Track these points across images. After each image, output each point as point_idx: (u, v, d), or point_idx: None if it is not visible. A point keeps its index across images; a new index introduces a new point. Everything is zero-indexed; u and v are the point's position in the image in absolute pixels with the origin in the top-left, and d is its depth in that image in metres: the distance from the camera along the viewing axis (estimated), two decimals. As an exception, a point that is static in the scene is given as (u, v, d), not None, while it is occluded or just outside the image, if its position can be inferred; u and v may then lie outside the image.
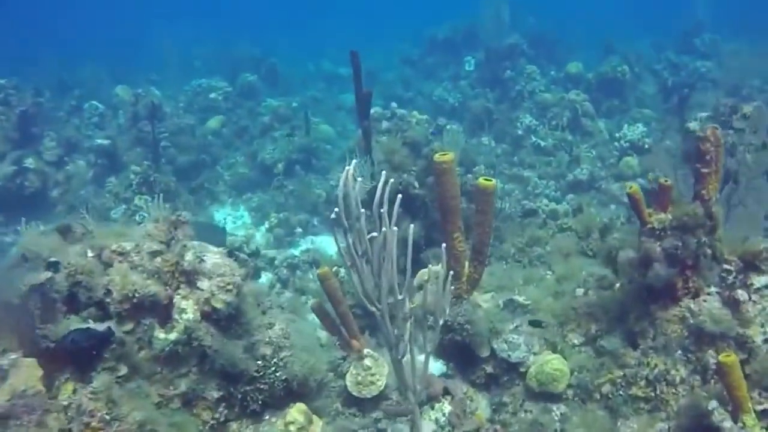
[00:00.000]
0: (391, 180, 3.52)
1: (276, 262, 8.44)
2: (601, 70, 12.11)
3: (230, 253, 4.48)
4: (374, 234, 3.52)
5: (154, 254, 3.67)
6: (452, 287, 4.09)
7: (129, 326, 3.41)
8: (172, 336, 3.50)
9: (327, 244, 9.97)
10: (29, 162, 10.53)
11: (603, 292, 5.00)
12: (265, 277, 8.42)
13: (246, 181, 11.55)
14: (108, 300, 3.35)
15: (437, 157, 4.33)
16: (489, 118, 11.07)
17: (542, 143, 10.08)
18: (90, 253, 3.61)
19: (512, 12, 13.99)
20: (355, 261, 3.58)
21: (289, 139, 11.34)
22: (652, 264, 4.38)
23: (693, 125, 7.82)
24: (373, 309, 3.65)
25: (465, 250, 4.68)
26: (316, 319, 4.81)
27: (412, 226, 3.55)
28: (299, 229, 9.99)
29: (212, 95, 13.34)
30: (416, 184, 6.81)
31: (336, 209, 3.49)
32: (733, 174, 5.86)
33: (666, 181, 4.44)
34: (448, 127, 9.44)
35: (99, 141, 11.02)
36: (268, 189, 10.99)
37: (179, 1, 27.80)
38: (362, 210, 3.52)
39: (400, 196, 3.59)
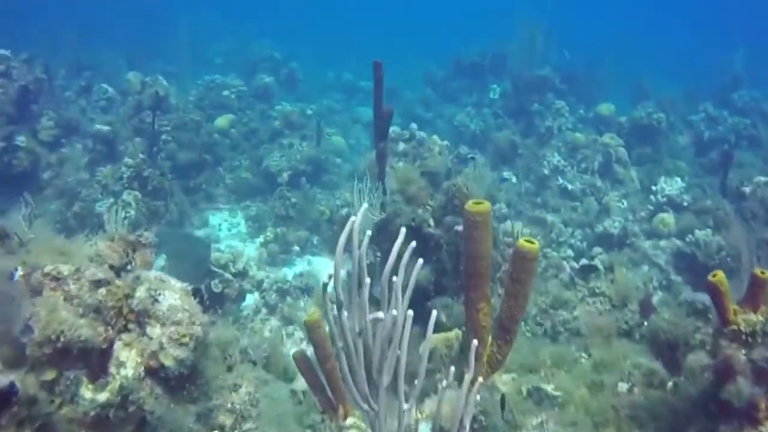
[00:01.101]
0: (413, 244, 2.41)
1: (265, 284, 7.32)
2: (636, 116, 11.00)
3: (195, 292, 3.41)
4: (379, 314, 2.43)
5: (97, 284, 2.75)
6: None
7: (49, 376, 2.49)
8: (102, 396, 2.57)
9: (325, 267, 8.88)
10: (21, 140, 9.42)
11: (652, 392, 3.89)
12: (251, 299, 7.33)
13: (248, 186, 10.45)
14: (26, 340, 2.45)
15: (470, 206, 3.24)
16: (514, 151, 9.97)
17: (569, 186, 8.98)
18: (19, 272, 2.68)
19: (546, 43, 12.90)
20: (348, 344, 2.49)
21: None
22: (734, 377, 3.26)
23: (749, 190, 6.70)
24: (366, 408, 2.57)
25: (489, 324, 3.58)
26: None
27: (434, 313, 2.43)
28: (296, 247, 8.89)
29: (225, 92, 12.26)
30: (431, 222, 5.71)
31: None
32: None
33: (763, 273, 3.31)
34: (472, 156, 8.33)
35: (98, 126, 9.92)
36: (269, 199, 9.89)
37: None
38: (367, 279, 2.43)
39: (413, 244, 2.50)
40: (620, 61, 14.90)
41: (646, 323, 5.46)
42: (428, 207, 5.80)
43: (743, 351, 3.33)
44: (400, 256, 2.43)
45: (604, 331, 4.46)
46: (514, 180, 9.55)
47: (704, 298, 5.85)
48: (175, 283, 3.35)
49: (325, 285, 2.43)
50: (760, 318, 3.30)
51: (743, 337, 3.32)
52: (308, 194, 9.68)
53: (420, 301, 5.88)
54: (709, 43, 18.00)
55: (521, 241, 3.27)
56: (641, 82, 13.11)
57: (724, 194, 8.91)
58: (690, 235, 7.67)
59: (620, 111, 12.03)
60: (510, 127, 11.78)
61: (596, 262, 6.78)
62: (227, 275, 6.51)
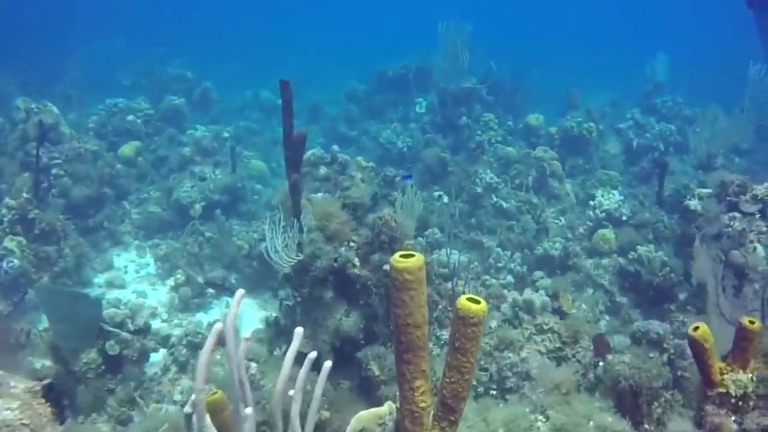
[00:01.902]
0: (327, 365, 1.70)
1: (173, 338, 6.41)
2: (566, 126, 10.64)
3: (49, 389, 2.65)
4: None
5: None
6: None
7: None
8: None
9: (247, 309, 8.03)
10: None
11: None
12: (160, 355, 6.40)
13: (157, 221, 9.48)
14: None
15: (397, 261, 2.53)
16: (444, 169, 9.38)
17: (504, 204, 8.44)
18: None
19: (471, 55, 12.42)
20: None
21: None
22: (727, 452, 2.66)
23: (693, 204, 6.28)
24: None
25: (430, 405, 2.88)
26: None
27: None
28: (211, 289, 8.00)
29: (130, 117, 11.20)
30: (356, 262, 4.98)
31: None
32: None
33: (752, 323, 2.73)
34: (406, 176, 7.65)
35: (-23, 162, 8.79)
36: (181, 234, 8.94)
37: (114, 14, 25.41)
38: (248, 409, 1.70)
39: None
40: (547, 72, 14.71)
41: (601, 363, 4.89)
42: (352, 244, 5.08)
43: (734, 418, 2.75)
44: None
45: (562, 387, 3.82)
46: (446, 200, 8.95)
47: (658, 327, 5.34)
48: (16, 385, 2.57)
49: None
50: (751, 377, 2.72)
51: (733, 401, 2.73)
52: (224, 227, 8.80)
53: (349, 353, 5.16)
54: (632, 52, 18.07)
55: (463, 300, 2.57)
56: (569, 91, 12.83)
57: (661, 205, 8.57)
58: (632, 252, 7.22)
59: (549, 121, 11.68)
60: (438, 142, 11.24)
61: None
62: (124, 334, 5.58)
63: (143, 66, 17.07)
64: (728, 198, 6.18)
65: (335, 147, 8.22)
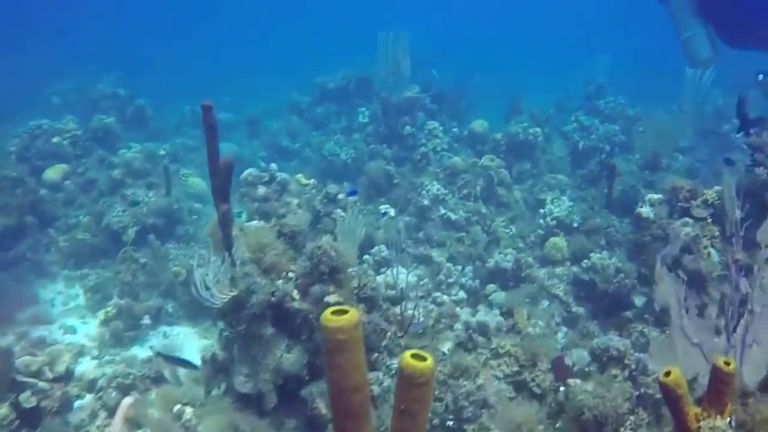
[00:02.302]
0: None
1: (101, 382, 5.86)
2: (512, 131, 10.43)
3: None
4: None
5: None
6: None
7: None
8: None
9: (187, 339, 7.54)
10: None
11: None
12: (86, 401, 5.85)
13: (88, 249, 8.84)
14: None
15: (327, 320, 2.14)
16: (389, 182, 9.04)
17: (453, 216, 8.13)
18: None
19: (412, 63, 12.13)
20: None
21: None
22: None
23: (646, 211, 6.08)
24: None
25: (376, 473, 2.51)
26: None
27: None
28: (147, 320, 7.45)
29: (55, 139, 10.50)
30: (295, 295, 4.59)
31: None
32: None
33: (728, 364, 2.43)
34: (351, 192, 7.29)
35: None
36: (113, 262, 8.35)
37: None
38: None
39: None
40: (491, 78, 14.59)
41: (562, 388, 4.60)
42: (291, 275, 4.67)
43: (715, 466, 2.45)
44: None
45: (524, 427, 3.49)
46: (392, 213, 8.59)
47: (617, 343, 5.09)
48: None
49: None
50: (729, 422, 2.43)
51: (712, 448, 2.43)
52: (159, 253, 8.24)
53: (293, 391, 4.75)
54: (573, 55, 18.19)
55: (407, 358, 2.20)
56: (513, 96, 12.67)
57: (611, 209, 8.41)
58: (586, 261, 7.00)
59: (494, 127, 11.47)
60: (383, 153, 10.90)
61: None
62: (42, 384, 5.03)
63: (74, 83, 16.27)
64: (679, 204, 6.00)
65: (273, 165, 7.79)
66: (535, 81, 17.96)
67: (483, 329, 5.26)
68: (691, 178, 10.95)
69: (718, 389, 2.40)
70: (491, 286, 6.97)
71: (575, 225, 7.94)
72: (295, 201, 6.02)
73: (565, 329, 6.57)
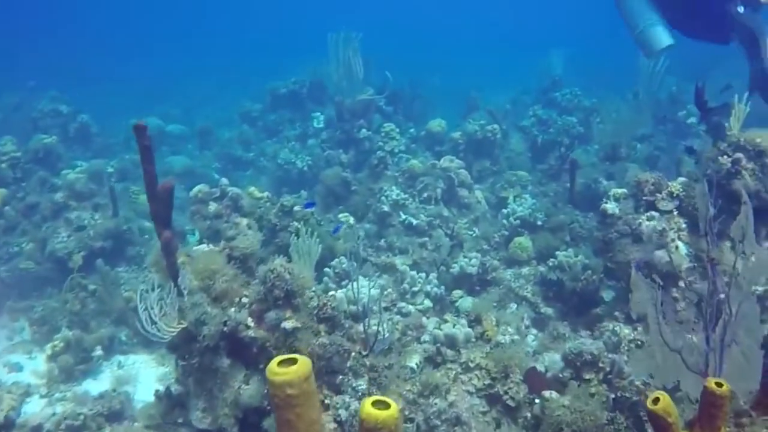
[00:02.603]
0: None
1: (47, 426, 5.46)
2: (469, 129, 10.25)
3: None
4: None
5: None
6: None
7: None
8: None
9: (143, 367, 7.16)
10: None
11: None
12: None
13: (32, 279, 8.38)
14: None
15: (273, 374, 1.87)
16: (347, 189, 8.76)
17: (414, 221, 7.89)
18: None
19: (365, 65, 11.87)
20: None
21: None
22: None
23: (611, 207, 5.93)
24: None
25: None
26: None
27: None
28: (99, 351, 7.06)
29: (-8, 164, 9.97)
30: (250, 322, 4.29)
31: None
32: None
33: (720, 385, 2.23)
34: (298, 211, 6.99)
35: None
36: (60, 291, 7.91)
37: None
38: None
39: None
40: (445, 77, 14.43)
41: (537, 400, 4.39)
42: (244, 301, 4.37)
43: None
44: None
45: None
46: (351, 221, 8.33)
47: (590, 346, 4.92)
48: None
49: None
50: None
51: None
52: (109, 278, 7.83)
53: (255, 424, 4.45)
54: (526, 51, 18.16)
55: (367, 407, 1.94)
56: (469, 94, 12.50)
57: (574, 204, 8.29)
58: (552, 259, 6.84)
59: (452, 126, 11.29)
60: (339, 158, 10.62)
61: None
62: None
63: (13, 101, 15.61)
64: (644, 198, 5.86)
65: (224, 180, 7.44)
66: (490, 78, 17.89)
67: (451, 342, 5.04)
68: (651, 166, 10.96)
69: (710, 413, 2.20)
70: (457, 292, 6.75)
71: (539, 223, 7.77)
72: (245, 221, 5.67)
73: (535, 331, 6.39)
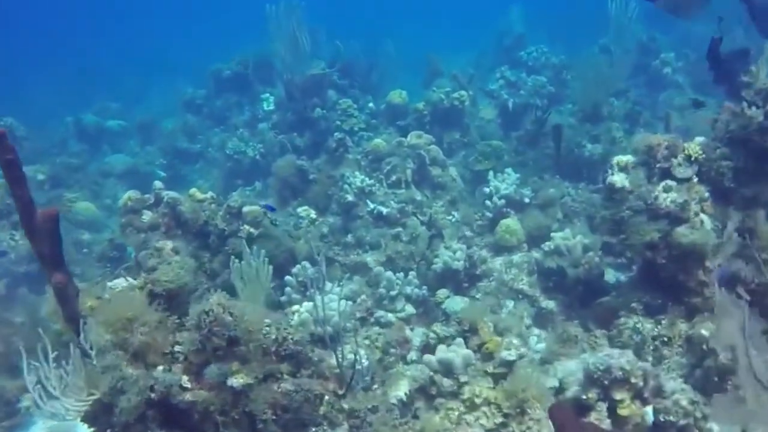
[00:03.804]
0: None
1: None
2: (434, 98, 9.14)
3: None
4: None
5: None
6: None
7: None
8: None
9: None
10: None
11: None
12: None
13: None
14: None
15: None
16: (304, 179, 7.61)
17: (384, 210, 6.82)
18: None
19: (312, 37, 10.62)
20: None
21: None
22: None
23: (619, 180, 4.92)
24: None
25: None
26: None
27: None
28: (26, 401, 5.88)
29: None
30: (186, 382, 3.19)
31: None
32: None
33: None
34: (249, 212, 5.85)
35: None
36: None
37: None
38: None
39: None
40: (399, 41, 13.20)
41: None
42: (178, 354, 3.27)
43: None
44: None
45: None
46: (313, 215, 7.22)
47: (619, 359, 3.94)
48: None
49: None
50: None
51: None
52: (35, 310, 6.60)
53: None
54: (485, 8, 17.01)
55: None
56: (428, 58, 11.32)
57: (562, 174, 7.30)
58: (548, 243, 5.85)
59: (414, 96, 10.16)
60: (293, 143, 9.45)
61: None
62: None
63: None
64: (658, 165, 4.87)
65: (158, 183, 6.23)
66: (446, 40, 16.69)
67: (447, 368, 4.01)
68: (632, 124, 10.03)
69: None
70: (442, 292, 5.72)
71: (526, 200, 6.76)
72: (169, 245, 4.46)
73: (537, 331, 5.40)
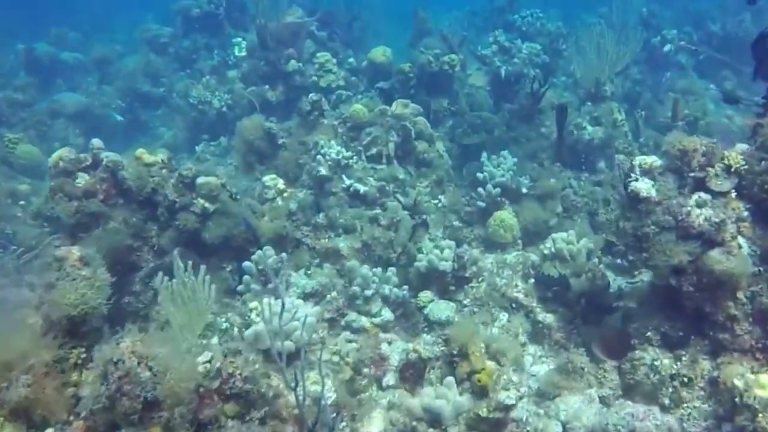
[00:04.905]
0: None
1: None
2: (422, 60, 8.09)
3: None
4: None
5: None
6: None
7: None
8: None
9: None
10: None
11: None
12: None
13: None
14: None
15: None
16: (272, 144, 6.56)
17: (361, 188, 5.85)
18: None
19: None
20: None
21: None
22: None
23: (645, 188, 4.05)
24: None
25: None
26: None
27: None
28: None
29: None
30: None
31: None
32: None
33: None
34: (203, 183, 4.86)
35: None
36: None
37: None
38: None
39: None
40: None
41: None
42: (71, 416, 2.31)
43: None
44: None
45: None
46: (281, 185, 6.22)
47: (645, 419, 3.15)
48: None
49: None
50: None
51: None
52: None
53: None
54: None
55: None
56: (416, 13, 10.18)
57: (564, 162, 6.41)
58: (548, 246, 5.00)
59: (399, 55, 9.09)
60: (265, 96, 8.36)
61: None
62: None
63: None
64: (692, 174, 4.00)
65: (96, 142, 5.14)
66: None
67: (434, 417, 3.15)
68: (631, 104, 9.16)
69: None
70: (425, 295, 4.84)
71: (524, 190, 5.87)
72: (76, 253, 3.40)
73: (533, 350, 4.58)
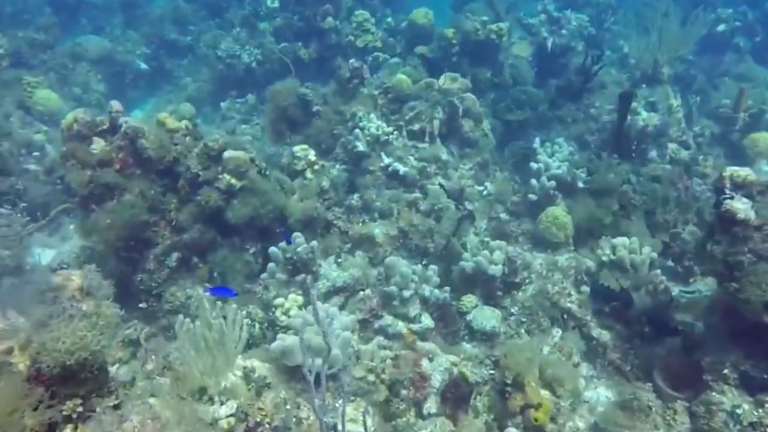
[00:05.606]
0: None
1: None
2: (467, 28, 7.28)
3: None
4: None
5: None
6: None
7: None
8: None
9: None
10: None
11: None
12: None
13: None
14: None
15: None
16: (307, 111, 5.85)
17: (401, 168, 5.18)
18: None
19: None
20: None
21: None
22: None
23: (742, 209, 3.38)
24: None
25: None
26: None
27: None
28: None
29: None
30: None
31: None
32: None
33: None
34: (230, 158, 4.23)
35: None
36: None
37: None
38: None
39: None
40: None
41: None
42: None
43: None
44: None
45: None
46: (312, 156, 5.54)
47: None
48: None
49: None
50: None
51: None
52: None
53: None
54: None
55: None
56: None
57: (623, 154, 5.68)
58: (606, 251, 4.35)
59: (441, 17, 8.26)
60: (297, 53, 7.60)
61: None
62: None
63: None
64: (806, 195, 3.31)
65: (115, 104, 4.48)
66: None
67: None
68: (684, 89, 8.31)
69: None
70: (469, 300, 4.23)
71: (580, 184, 5.17)
72: (76, 280, 2.75)
73: (585, 369, 3.99)
